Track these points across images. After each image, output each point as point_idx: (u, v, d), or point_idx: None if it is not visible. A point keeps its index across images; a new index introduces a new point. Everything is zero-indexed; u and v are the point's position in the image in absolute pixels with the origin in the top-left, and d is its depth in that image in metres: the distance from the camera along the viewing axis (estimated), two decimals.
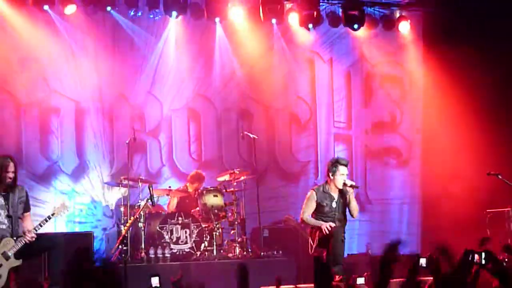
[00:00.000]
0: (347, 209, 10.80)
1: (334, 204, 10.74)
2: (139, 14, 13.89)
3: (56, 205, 10.02)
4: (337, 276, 10.46)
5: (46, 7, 13.12)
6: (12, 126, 13.27)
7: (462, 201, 13.65)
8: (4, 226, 9.50)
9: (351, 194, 10.73)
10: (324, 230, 10.50)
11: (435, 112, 15.04)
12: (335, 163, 10.77)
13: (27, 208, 9.75)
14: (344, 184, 10.69)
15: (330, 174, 10.75)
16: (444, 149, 14.63)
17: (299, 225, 12.97)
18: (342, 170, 10.67)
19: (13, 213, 9.55)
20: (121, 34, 13.89)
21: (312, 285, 10.43)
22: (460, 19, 14.34)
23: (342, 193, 10.76)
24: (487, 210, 13.36)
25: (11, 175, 9.55)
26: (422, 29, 15.44)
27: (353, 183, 10.77)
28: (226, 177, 13.09)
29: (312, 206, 10.78)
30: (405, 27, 15.21)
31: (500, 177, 12.15)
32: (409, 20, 15.19)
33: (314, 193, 10.81)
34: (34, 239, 9.50)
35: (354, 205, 10.77)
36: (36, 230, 9.53)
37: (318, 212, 10.77)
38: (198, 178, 13.23)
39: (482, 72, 14.15)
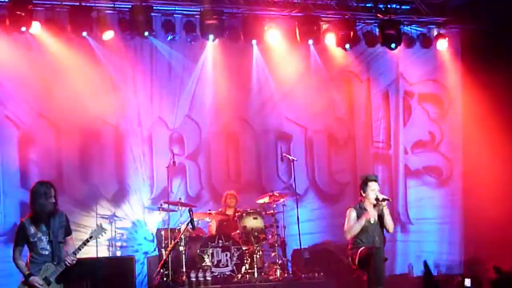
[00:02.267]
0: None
1: (372, 220, 10.71)
2: (176, 38, 14.00)
3: (93, 228, 10.04)
4: None
5: (84, 33, 13.26)
6: (52, 152, 13.42)
7: (505, 221, 13.53)
8: (46, 252, 9.57)
9: (384, 208, 10.66)
10: (367, 216, 10.44)
11: (475, 130, 14.92)
12: (364, 180, 10.74)
13: (68, 232, 9.78)
14: (377, 199, 10.65)
15: (362, 192, 10.71)
16: (486, 167, 14.52)
17: (337, 249, 12.96)
18: (372, 185, 10.62)
19: (53, 238, 9.60)
20: (158, 58, 14.05)
21: None
22: (498, 36, 14.29)
23: (377, 207, 10.70)
24: None
25: (52, 200, 9.62)
26: (461, 46, 15.37)
27: (385, 196, 10.65)
28: (266, 199, 13.13)
29: (354, 218, 10.72)
30: (443, 45, 15.17)
31: None
32: (447, 38, 15.15)
33: (353, 210, 10.76)
34: (74, 262, 9.53)
35: (388, 219, 10.70)
36: (75, 254, 9.57)
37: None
38: (230, 197, 13.29)
39: None
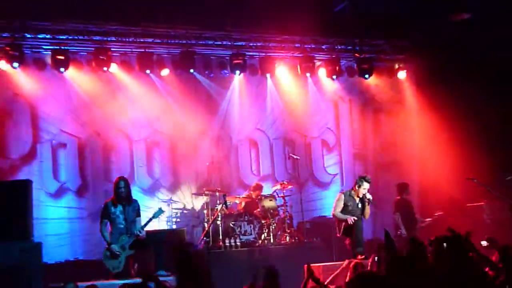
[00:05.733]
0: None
1: (356, 206, 10.63)
2: (213, 73, 13.93)
3: (155, 210, 9.97)
4: (359, 256, 10.30)
5: (148, 71, 13.24)
6: (127, 156, 13.35)
7: (450, 198, 13.38)
8: (122, 226, 9.59)
9: (367, 203, 10.62)
10: (350, 221, 10.39)
11: (426, 134, 14.78)
12: (361, 179, 10.65)
13: (138, 214, 9.81)
14: (364, 196, 10.57)
15: (357, 186, 10.61)
16: (434, 160, 14.34)
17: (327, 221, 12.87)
18: (365, 185, 10.56)
19: (128, 217, 9.59)
20: (200, 88, 13.94)
21: (341, 262, 10.32)
22: (441, 67, 14.18)
23: (361, 199, 10.62)
24: (467, 204, 13.07)
25: (122, 190, 9.57)
26: (415, 75, 15.24)
27: (370, 198, 10.61)
28: (278, 187, 13.05)
29: (340, 205, 10.71)
30: (402, 75, 15.07)
31: (475, 181, 11.92)
32: (405, 70, 15.04)
33: (343, 195, 10.81)
34: (144, 234, 9.52)
35: (367, 211, 10.68)
36: (143, 229, 9.52)
37: (344, 210, 10.65)
38: (258, 187, 13.17)
39: (457, 103, 13.97)
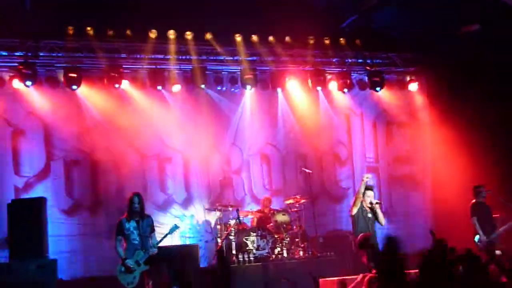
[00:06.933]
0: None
1: (369, 215, 10.70)
2: (224, 88, 14.08)
3: (170, 226, 10.10)
4: (374, 270, 10.34)
5: (159, 87, 13.41)
6: (139, 172, 13.46)
7: (463, 211, 13.38)
8: (136, 242, 9.70)
9: (377, 208, 10.69)
10: (365, 179, 10.65)
11: (439, 146, 14.83)
12: (364, 188, 10.77)
13: (152, 230, 9.92)
14: (371, 203, 10.69)
15: (362, 196, 10.74)
16: (447, 172, 14.37)
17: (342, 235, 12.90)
18: (369, 193, 10.70)
19: (142, 233, 9.72)
20: (211, 103, 14.06)
21: (356, 276, 10.38)
22: (452, 79, 14.27)
23: (371, 208, 10.72)
24: None
25: (136, 205, 9.71)
26: (427, 87, 15.35)
27: (377, 201, 10.72)
28: (291, 201, 13.14)
29: (358, 203, 10.77)
30: (414, 87, 15.18)
31: (489, 192, 11.97)
32: (417, 82, 15.13)
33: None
34: (156, 252, 9.64)
35: (380, 216, 10.75)
36: (157, 244, 9.65)
37: (359, 221, 10.71)
38: (267, 200, 13.30)
39: (469, 114, 13.99)
